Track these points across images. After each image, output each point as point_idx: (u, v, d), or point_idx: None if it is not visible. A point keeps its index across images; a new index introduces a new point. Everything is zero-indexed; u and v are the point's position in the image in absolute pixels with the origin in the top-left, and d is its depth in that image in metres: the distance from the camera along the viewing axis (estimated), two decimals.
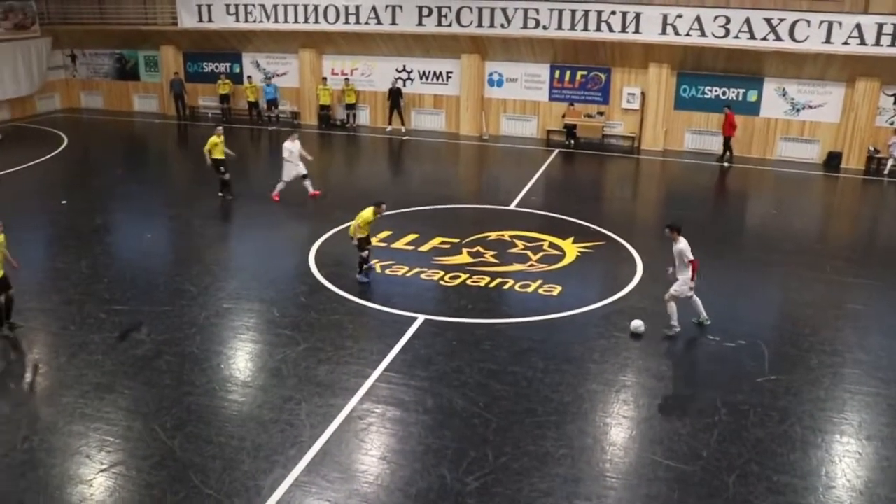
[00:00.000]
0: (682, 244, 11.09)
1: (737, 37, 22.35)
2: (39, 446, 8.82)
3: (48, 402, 9.94)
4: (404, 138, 25.63)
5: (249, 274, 13.99)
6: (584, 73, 24.92)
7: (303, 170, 17.98)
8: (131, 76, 31.26)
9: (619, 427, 9.20)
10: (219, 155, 18.23)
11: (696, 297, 11.47)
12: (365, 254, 13.46)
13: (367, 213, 13.30)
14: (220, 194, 18.61)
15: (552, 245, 15.23)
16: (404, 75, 26.68)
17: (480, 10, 24.47)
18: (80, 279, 13.81)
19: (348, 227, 14.10)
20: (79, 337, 11.72)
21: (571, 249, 15.01)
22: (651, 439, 8.92)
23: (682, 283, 11.24)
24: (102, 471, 8.41)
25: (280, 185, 18.19)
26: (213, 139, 18.13)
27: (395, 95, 26.36)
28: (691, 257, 11.01)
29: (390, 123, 26.78)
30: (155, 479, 8.22)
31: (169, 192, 20.43)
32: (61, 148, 24.78)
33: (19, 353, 11.50)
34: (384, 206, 13.46)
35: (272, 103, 28.20)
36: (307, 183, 18.08)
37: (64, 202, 18.62)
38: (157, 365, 10.67)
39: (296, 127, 27.44)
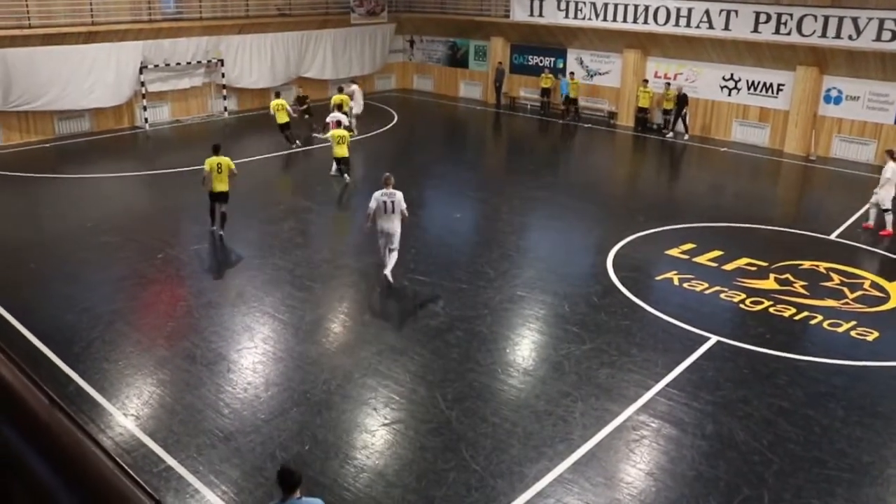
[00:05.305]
0: None
1: None
2: (336, 390, 9.80)
3: (348, 353, 10.99)
4: (722, 150, 24.48)
5: (546, 266, 14.28)
6: None
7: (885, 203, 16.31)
8: (460, 63, 33.13)
9: None
10: None
11: None
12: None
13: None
14: None
15: (874, 285, 13.71)
16: (730, 84, 25.42)
17: (826, 18, 22.49)
18: None
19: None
20: (383, 299, 12.85)
21: None
22: None
23: None
24: (385, 425, 9.13)
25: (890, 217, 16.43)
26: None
27: (681, 101, 25.49)
28: None
29: (672, 129, 25.86)
30: (429, 444, 8.76)
31: (482, 177, 21.44)
32: (392, 124, 27.04)
33: (330, 305, 12.84)
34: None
35: (566, 97, 28.54)
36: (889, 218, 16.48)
37: (387, 174, 20.34)
38: (447, 338, 11.32)
39: (611, 127, 27.44)
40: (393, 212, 12.64)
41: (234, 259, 14.58)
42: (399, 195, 12.69)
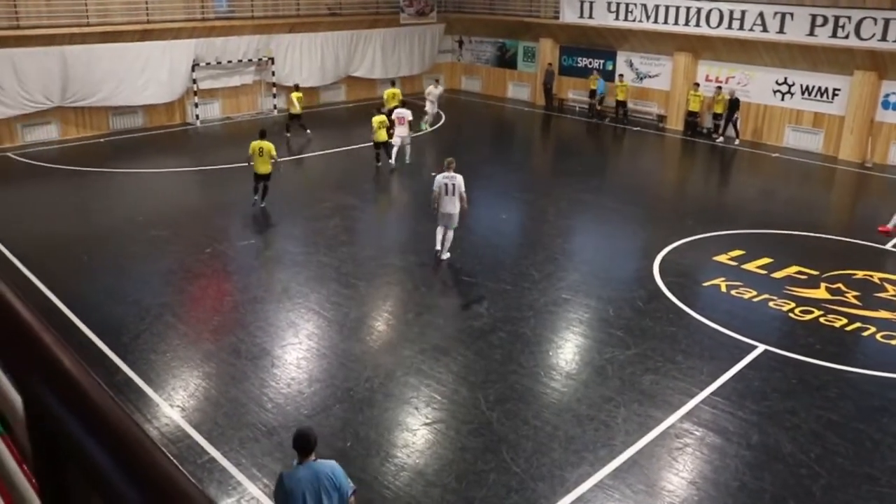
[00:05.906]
0: None
1: None
2: (378, 388, 9.83)
3: (391, 351, 11.02)
4: (773, 155, 24.02)
5: (591, 269, 14.16)
6: None
7: None
8: (509, 64, 32.99)
9: None
10: None
11: None
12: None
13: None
14: None
15: None
16: (784, 88, 24.92)
17: (887, 21, 21.90)
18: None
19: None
20: (427, 298, 12.83)
21: None
22: None
23: None
24: (426, 424, 9.13)
25: None
26: None
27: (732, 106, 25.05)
28: None
29: (722, 133, 25.40)
30: (469, 444, 8.74)
31: (529, 179, 21.36)
32: (439, 124, 27.04)
33: (374, 303, 12.89)
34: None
35: (601, 97, 28.43)
36: None
37: (433, 174, 20.41)
38: (490, 339, 11.28)
39: (660, 130, 27.12)
40: (454, 194, 13.47)
41: (280, 255, 14.74)
42: (460, 178, 13.53)
